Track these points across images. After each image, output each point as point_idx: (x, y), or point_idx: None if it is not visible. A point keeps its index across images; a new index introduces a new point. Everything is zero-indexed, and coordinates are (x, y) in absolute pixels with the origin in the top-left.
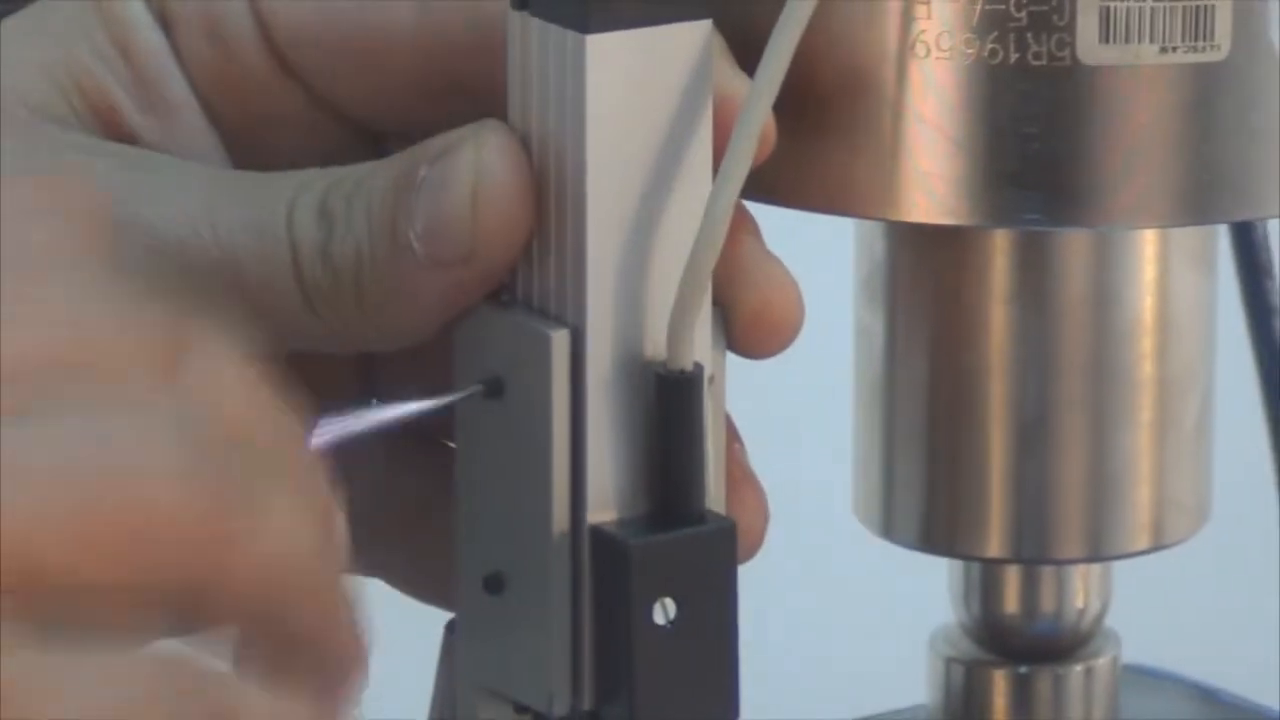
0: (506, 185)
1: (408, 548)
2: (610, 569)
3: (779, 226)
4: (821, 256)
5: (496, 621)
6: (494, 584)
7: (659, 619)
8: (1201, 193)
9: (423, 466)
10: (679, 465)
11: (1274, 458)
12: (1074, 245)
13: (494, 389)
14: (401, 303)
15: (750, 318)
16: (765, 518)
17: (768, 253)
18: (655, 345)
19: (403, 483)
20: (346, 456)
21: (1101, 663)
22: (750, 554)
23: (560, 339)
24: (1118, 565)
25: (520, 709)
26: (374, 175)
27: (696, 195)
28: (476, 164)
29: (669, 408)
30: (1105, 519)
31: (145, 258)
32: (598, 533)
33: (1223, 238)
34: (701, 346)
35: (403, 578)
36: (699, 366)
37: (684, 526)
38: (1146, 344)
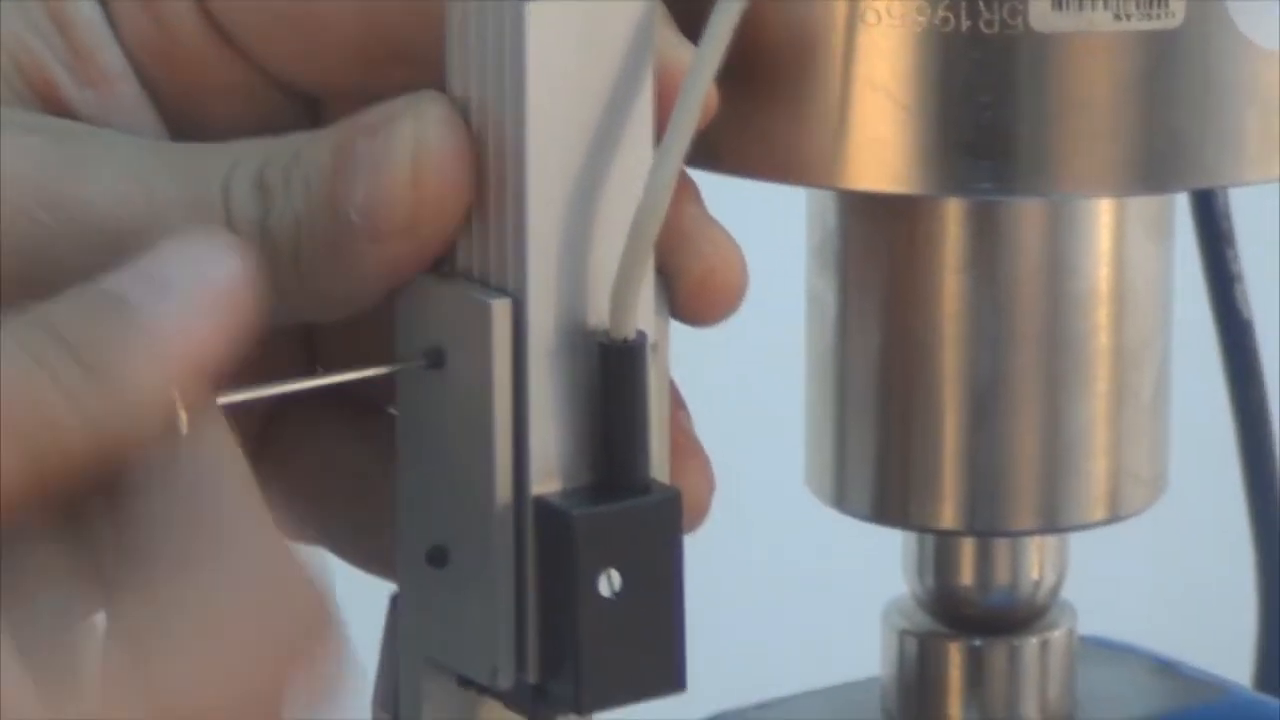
0: (446, 157)
1: (353, 518)
2: (554, 540)
3: (732, 193)
4: (774, 224)
5: (440, 594)
6: (437, 557)
7: (604, 590)
8: (1157, 162)
9: (368, 437)
10: (623, 435)
11: (1236, 428)
12: (1028, 214)
13: (435, 359)
14: (341, 275)
15: (694, 285)
16: (711, 487)
17: (711, 220)
18: (598, 314)
19: (348, 453)
20: (291, 427)
21: (1057, 635)
22: (696, 524)
23: (501, 308)
24: (1074, 537)
25: (464, 682)
26: (311, 147)
27: (638, 164)
28: (415, 136)
29: (612, 377)
30: (1060, 490)
31: (77, 234)
32: (541, 503)
33: (1182, 207)
34: (644, 315)
35: (349, 548)
36: (642, 335)
37: (628, 497)
38: (1102, 314)
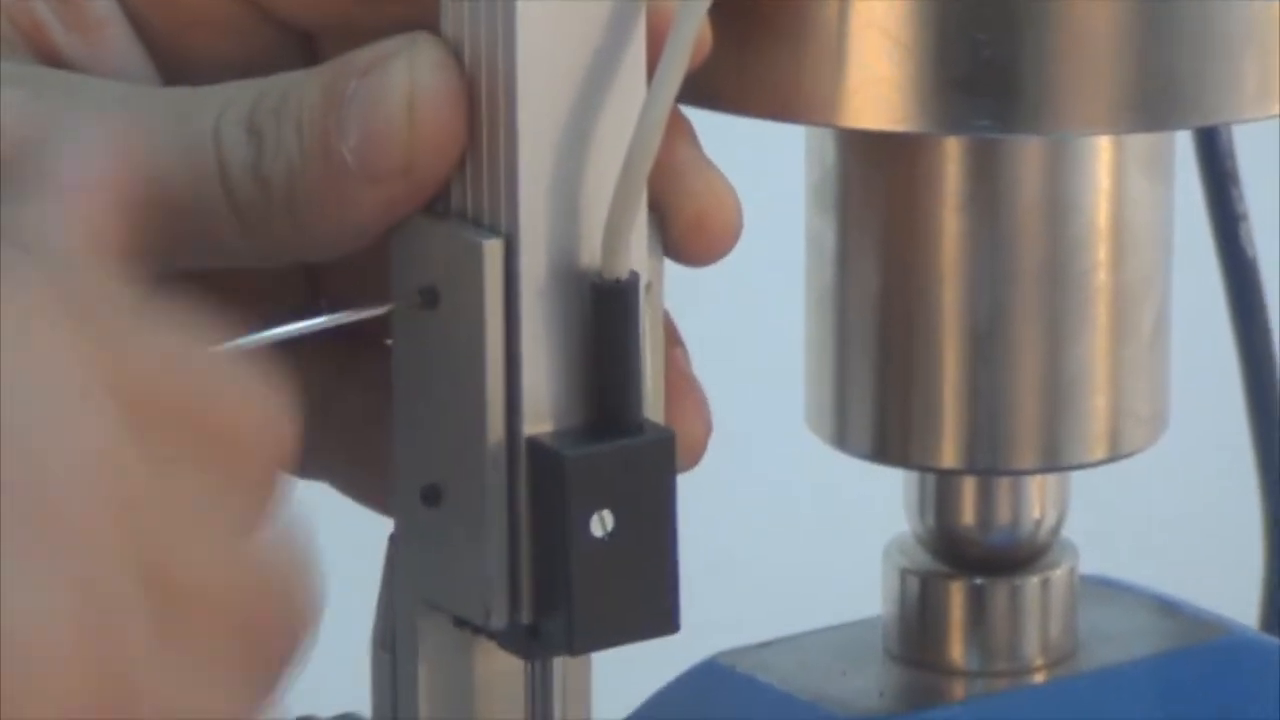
0: (441, 99)
1: (354, 454)
2: (547, 481)
3: (730, 132)
4: (772, 162)
5: (434, 534)
6: (431, 496)
7: (596, 531)
8: (1155, 99)
9: (368, 374)
10: (616, 375)
11: (1241, 366)
12: (1027, 152)
13: (429, 299)
14: (336, 217)
15: (688, 226)
16: (708, 426)
17: (705, 160)
18: (590, 254)
19: (348, 390)
20: (292, 363)
21: (1058, 574)
22: (692, 463)
23: (493, 248)
24: (1075, 475)
25: (458, 622)
26: (301, 88)
27: (630, 103)
28: (410, 78)
29: (605, 317)
30: (1061, 429)
31: None
32: (534, 444)
33: (1188, 145)
34: (638, 255)
35: (349, 484)
36: (635, 275)
37: (621, 437)
38: (1101, 252)
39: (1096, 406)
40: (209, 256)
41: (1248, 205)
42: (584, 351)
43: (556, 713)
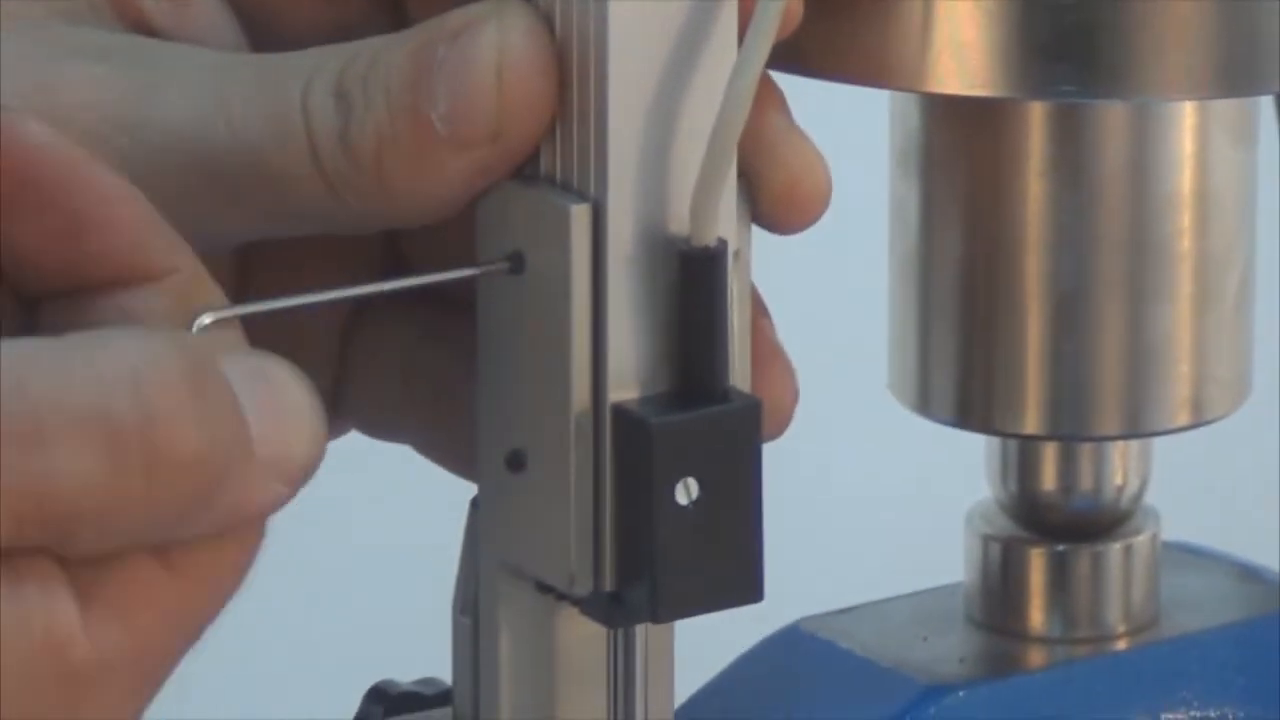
0: (531, 64)
1: (436, 417)
2: (632, 448)
3: (815, 96)
4: (857, 128)
5: (518, 499)
6: (515, 461)
7: (681, 499)
8: (1241, 64)
9: (451, 338)
10: (702, 343)
11: None
12: (1111, 118)
13: (516, 264)
14: (425, 184)
15: (778, 194)
16: (794, 394)
17: (796, 128)
18: (679, 221)
19: (431, 353)
20: (372, 327)
21: (1141, 540)
22: (779, 431)
23: (581, 213)
24: (1158, 442)
25: (541, 588)
26: (389, 53)
27: (721, 69)
28: (500, 42)
29: (692, 284)
30: (1144, 395)
31: (159, 157)
32: (619, 411)
33: (1269, 111)
34: (726, 222)
35: (430, 446)
36: (723, 242)
37: (707, 405)
38: (1185, 218)
39: (1180, 372)
40: (297, 224)
41: None
42: (671, 319)
43: (638, 680)
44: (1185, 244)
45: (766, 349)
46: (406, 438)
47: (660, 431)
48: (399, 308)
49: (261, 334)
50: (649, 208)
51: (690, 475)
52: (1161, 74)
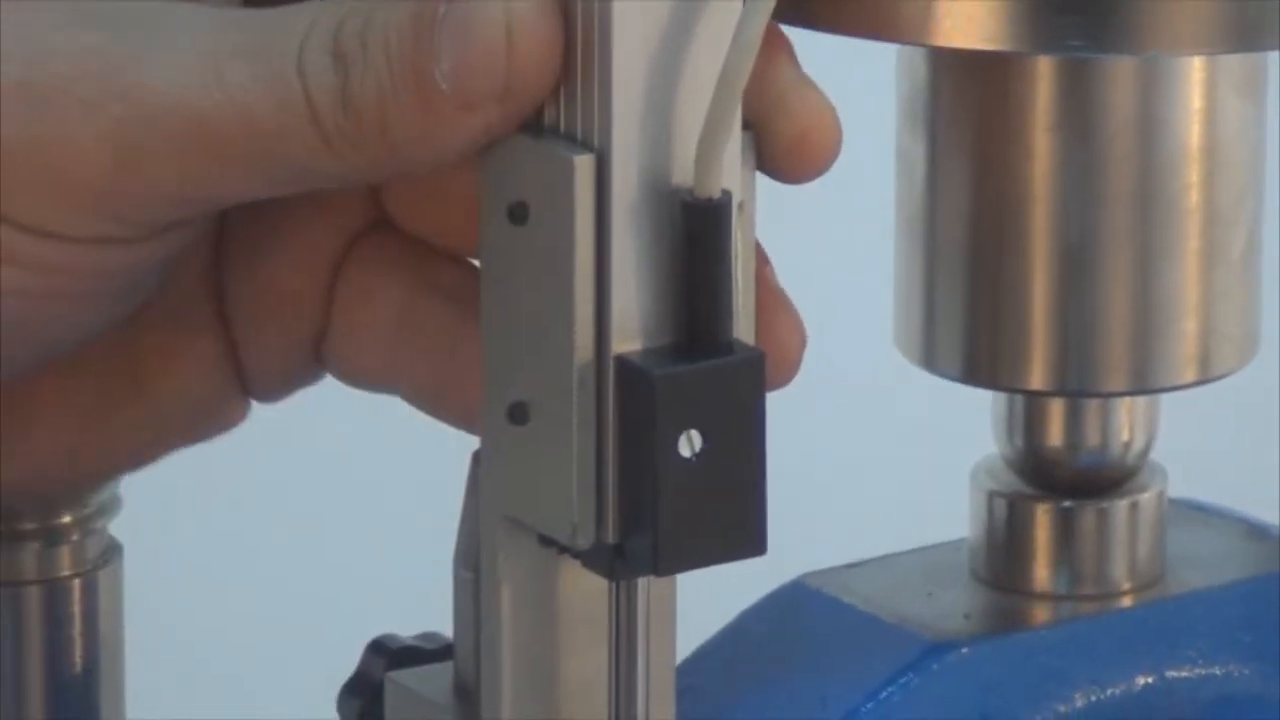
0: (541, 22)
1: (434, 371)
2: (635, 400)
3: (821, 50)
4: (863, 81)
5: (520, 451)
6: (518, 413)
7: (684, 451)
8: (1250, 19)
9: (447, 288)
10: (706, 294)
11: None
12: (1119, 72)
13: (519, 215)
14: (430, 140)
15: (787, 145)
16: (802, 340)
17: (806, 79)
18: (683, 172)
19: (426, 302)
20: (361, 276)
21: (1147, 497)
22: (787, 379)
23: (584, 164)
24: (1165, 398)
25: (544, 541)
26: (385, 10)
27: (727, 21)
28: (506, 3)
29: (696, 236)
30: (1150, 351)
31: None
32: (623, 362)
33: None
34: (730, 173)
35: (424, 396)
36: (727, 194)
37: (711, 357)
38: (1193, 173)
39: (1186, 328)
40: (293, 183)
41: None
42: (674, 270)
43: (640, 633)
44: (1193, 199)
45: (771, 296)
46: (397, 388)
47: (663, 383)
48: (391, 259)
49: (242, 277)
50: (654, 159)
51: (693, 427)
52: (1170, 28)
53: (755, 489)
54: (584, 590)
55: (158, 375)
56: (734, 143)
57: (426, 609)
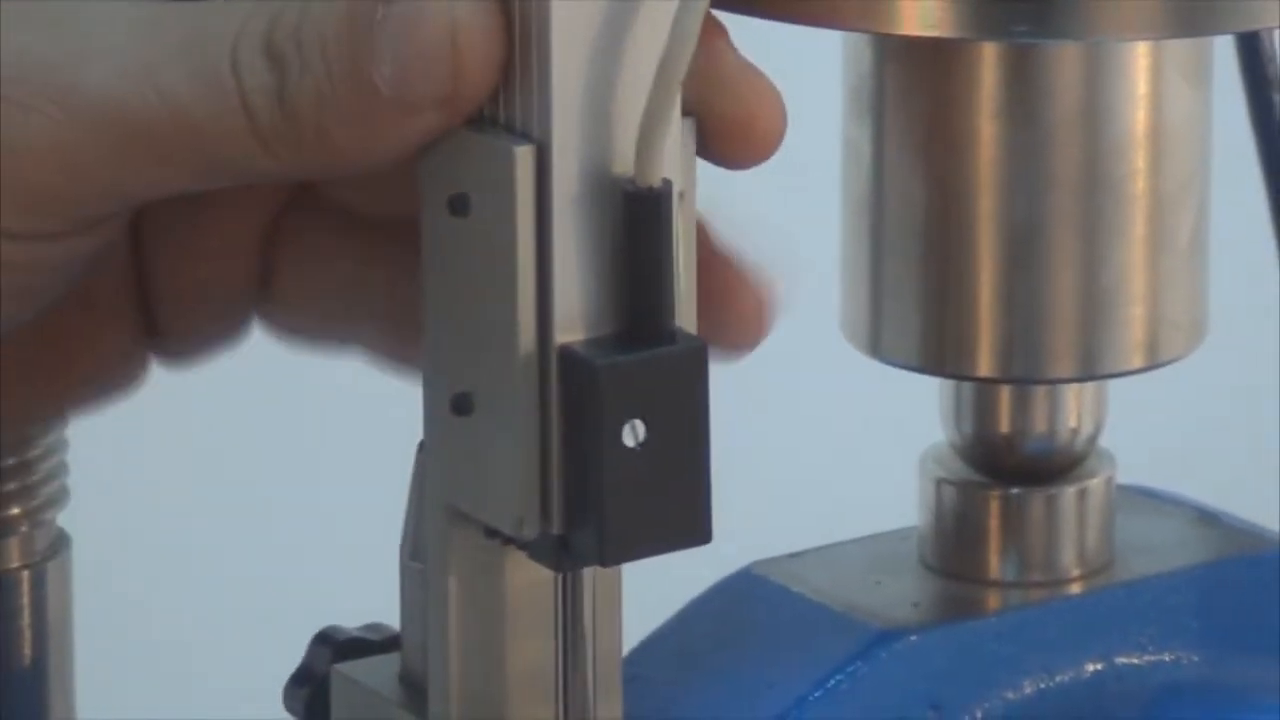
0: (486, 24)
1: (379, 327)
2: (579, 390)
3: (766, 37)
4: (808, 69)
5: (465, 443)
6: (462, 404)
7: (629, 441)
8: (1196, 4)
9: (367, 249)
10: (648, 283)
11: None
12: (1065, 59)
13: (459, 206)
14: (370, 143)
15: (732, 129)
16: (762, 301)
17: (746, 63)
18: (624, 161)
19: (352, 268)
20: (292, 250)
21: (1095, 483)
22: (759, 335)
23: (524, 154)
24: (1114, 384)
25: (489, 533)
26: (320, 8)
27: (665, 9)
28: (449, 8)
29: (637, 225)
30: (1098, 337)
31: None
32: (566, 353)
33: (1229, 50)
34: (670, 162)
35: (386, 357)
36: (668, 183)
37: (654, 346)
38: (1139, 159)
39: (1134, 315)
40: (227, 180)
41: None
42: (616, 260)
43: (587, 624)
44: (1139, 185)
45: (717, 261)
46: (363, 352)
47: (607, 373)
48: (330, 229)
49: (164, 258)
50: (594, 149)
51: (637, 417)
52: (1116, 14)
53: (700, 478)
54: (529, 581)
55: (74, 358)
56: (674, 131)
57: (373, 599)
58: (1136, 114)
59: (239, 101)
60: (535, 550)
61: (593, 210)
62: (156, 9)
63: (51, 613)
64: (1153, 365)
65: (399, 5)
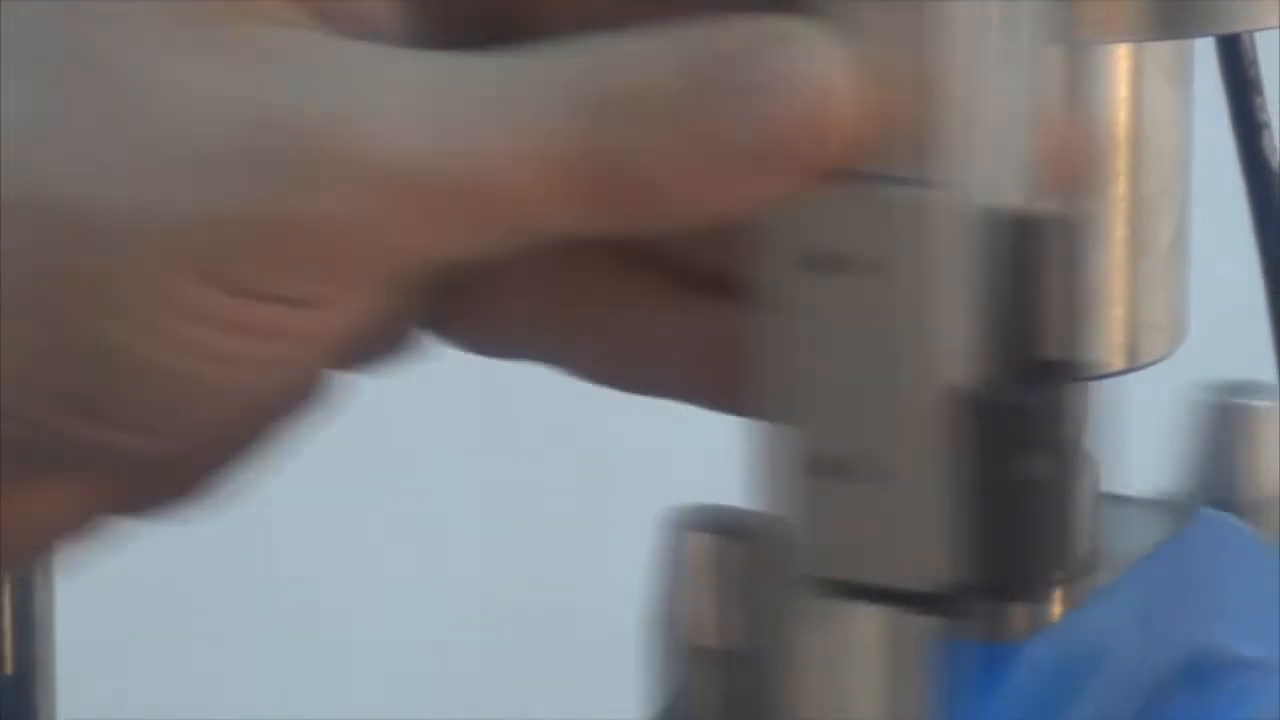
0: (861, 86)
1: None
2: (984, 432)
3: None
4: None
5: (844, 507)
6: (834, 466)
7: (1037, 475)
8: (1177, 6)
9: (650, 300)
10: (1036, 313)
11: (1264, 278)
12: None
13: (825, 263)
14: (713, 207)
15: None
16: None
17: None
18: (1003, 195)
19: (623, 306)
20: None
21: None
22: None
23: (921, 202)
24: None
25: (879, 595)
26: (653, 63)
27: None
28: (816, 70)
29: (1023, 254)
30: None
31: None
32: (962, 394)
33: (1209, 52)
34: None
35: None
36: (1055, 209)
37: (1050, 381)
38: (1120, 161)
39: (1114, 316)
40: (538, 238)
41: (1270, 114)
42: (998, 293)
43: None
44: (1120, 188)
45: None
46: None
47: (1011, 411)
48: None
49: None
50: (980, 182)
51: (1039, 453)
52: (1096, 15)
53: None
54: (876, 641)
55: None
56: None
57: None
58: (1117, 116)
59: (558, 161)
60: (930, 604)
61: (979, 248)
62: (448, 60)
63: (38, 618)
64: (1133, 367)
65: (760, 51)
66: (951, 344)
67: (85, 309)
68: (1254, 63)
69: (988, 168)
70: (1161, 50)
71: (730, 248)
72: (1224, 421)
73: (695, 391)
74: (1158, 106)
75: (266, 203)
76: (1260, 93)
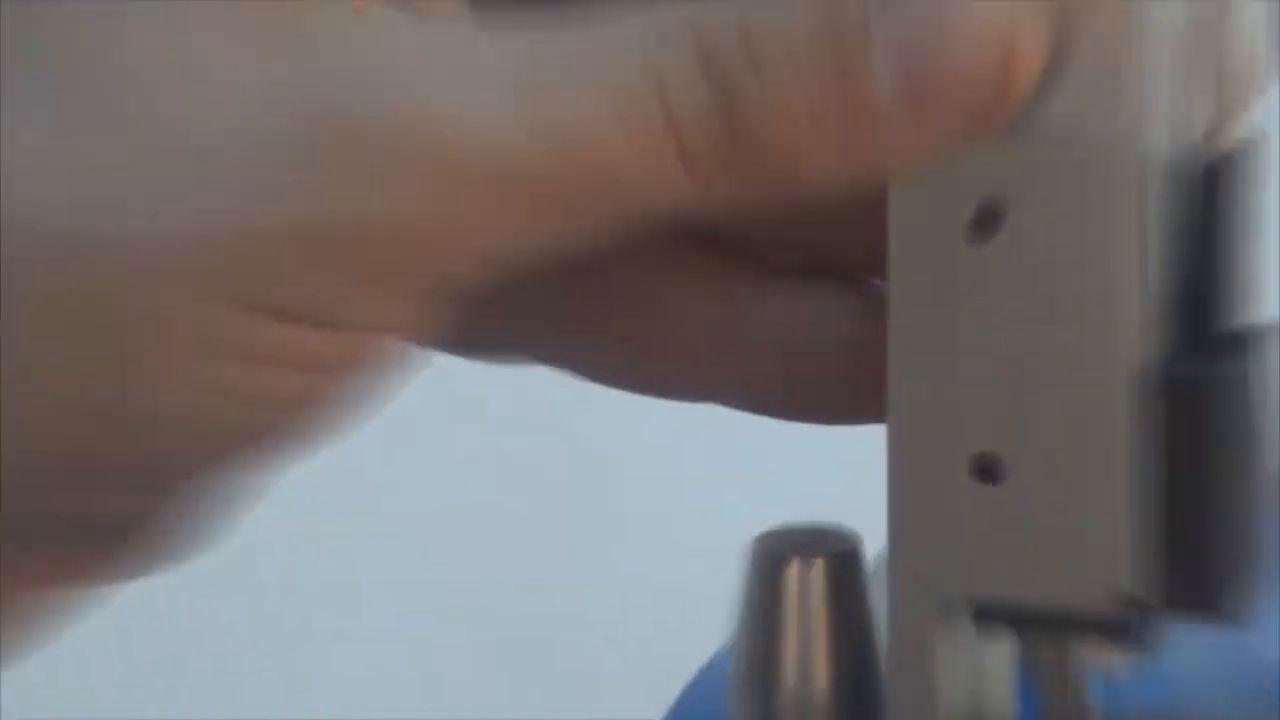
0: (1041, 26)
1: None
2: (1179, 415)
3: None
4: None
5: (999, 514)
6: (988, 468)
7: (1244, 471)
8: None
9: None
10: (1234, 273)
11: None
12: None
13: (985, 224)
14: (858, 169)
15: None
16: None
17: None
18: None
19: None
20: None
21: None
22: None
23: (1110, 157)
24: None
25: (1044, 619)
26: (771, 17)
27: None
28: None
29: (1217, 201)
30: None
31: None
32: (1156, 374)
33: None
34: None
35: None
36: (1245, 140)
37: (1232, 351)
38: None
39: None
40: (640, 220)
41: None
42: (1193, 250)
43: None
44: None
45: None
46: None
47: (1212, 389)
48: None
49: None
50: (1161, 128)
51: (1235, 441)
52: None
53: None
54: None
55: None
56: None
57: None
58: None
59: (668, 130)
60: (1123, 630)
61: (1171, 201)
62: (529, 35)
63: None
64: None
65: (917, 5)
66: (1140, 315)
67: (96, 358)
68: None
69: (1171, 104)
70: None
71: (816, 229)
72: None
73: (732, 390)
74: None
75: (321, 209)
76: None
